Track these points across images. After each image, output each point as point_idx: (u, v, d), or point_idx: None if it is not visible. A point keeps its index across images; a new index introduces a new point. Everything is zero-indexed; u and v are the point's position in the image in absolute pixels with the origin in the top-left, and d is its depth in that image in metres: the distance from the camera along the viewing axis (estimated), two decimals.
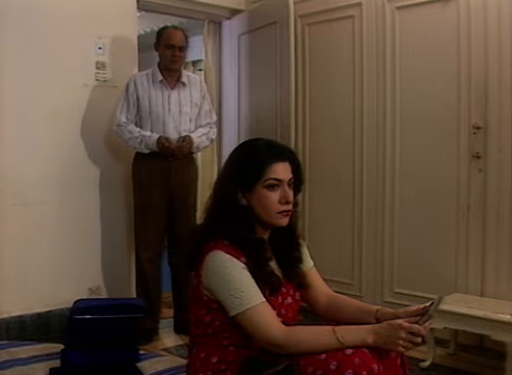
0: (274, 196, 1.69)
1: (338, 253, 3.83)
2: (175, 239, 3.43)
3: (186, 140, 3.33)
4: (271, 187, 1.69)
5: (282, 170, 1.70)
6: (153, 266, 3.39)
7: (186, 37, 3.37)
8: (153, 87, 3.33)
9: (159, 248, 3.43)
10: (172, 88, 3.37)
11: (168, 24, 3.85)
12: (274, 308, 1.65)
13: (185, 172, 3.40)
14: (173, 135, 3.32)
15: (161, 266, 3.47)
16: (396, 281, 3.56)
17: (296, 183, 1.77)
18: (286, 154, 1.74)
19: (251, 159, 1.71)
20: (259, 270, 1.66)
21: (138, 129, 3.32)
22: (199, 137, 3.42)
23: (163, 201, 3.36)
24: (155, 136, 3.26)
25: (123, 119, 3.32)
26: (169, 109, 3.33)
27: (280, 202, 1.69)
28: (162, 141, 3.25)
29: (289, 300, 1.75)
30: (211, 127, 3.52)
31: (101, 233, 3.66)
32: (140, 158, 3.39)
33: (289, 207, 1.72)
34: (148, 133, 3.29)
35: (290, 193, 1.72)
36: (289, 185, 1.72)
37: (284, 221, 1.72)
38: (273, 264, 1.75)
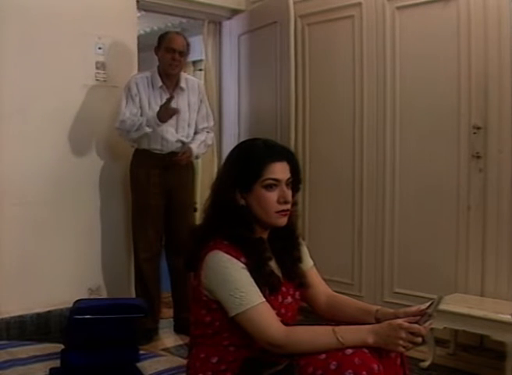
0: (272, 196, 1.69)
1: (338, 253, 3.83)
2: (173, 239, 3.43)
3: (186, 152, 3.33)
4: (269, 187, 1.69)
5: (280, 170, 1.70)
6: (151, 266, 3.40)
7: (187, 44, 3.36)
8: (152, 91, 3.32)
9: (157, 248, 3.43)
10: (171, 94, 3.36)
11: (169, 24, 3.86)
12: (274, 307, 1.65)
13: (182, 172, 3.40)
14: (172, 141, 3.33)
15: (159, 266, 3.47)
16: (396, 281, 3.56)
17: (295, 182, 1.77)
18: (284, 154, 1.74)
19: (249, 159, 1.71)
20: (259, 270, 1.66)
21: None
22: (198, 146, 3.42)
23: (161, 202, 3.36)
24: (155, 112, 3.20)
25: (127, 114, 3.27)
26: None
27: (279, 202, 1.69)
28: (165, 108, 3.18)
29: (289, 299, 1.75)
30: (208, 132, 3.52)
31: (101, 233, 3.66)
32: (139, 159, 3.39)
33: (288, 207, 1.72)
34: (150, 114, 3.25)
35: (289, 193, 1.72)
36: (287, 185, 1.72)
37: (283, 221, 1.72)
38: (273, 264, 1.75)
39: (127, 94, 3.31)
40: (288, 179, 1.72)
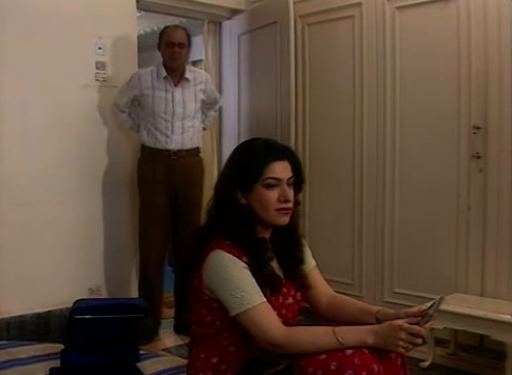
0: (273, 195, 1.69)
1: (338, 253, 3.83)
2: (179, 238, 3.41)
3: None
4: (270, 186, 1.69)
5: (280, 169, 1.70)
6: (158, 265, 3.39)
7: (188, 36, 3.38)
8: (157, 83, 3.34)
9: (164, 247, 3.42)
10: (176, 85, 3.37)
11: (169, 24, 3.87)
12: (274, 308, 1.65)
13: (190, 170, 3.40)
14: (178, 132, 3.34)
15: (164, 266, 3.47)
16: (396, 281, 3.56)
17: (297, 182, 1.76)
18: (285, 153, 1.74)
19: (250, 159, 1.71)
20: (260, 270, 1.66)
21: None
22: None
23: (168, 201, 3.36)
24: None
25: (121, 103, 3.42)
26: (173, 107, 3.34)
27: (279, 200, 1.69)
28: None
29: (290, 300, 1.75)
30: (217, 103, 3.71)
31: (101, 233, 3.66)
32: (145, 158, 3.40)
33: (289, 205, 1.71)
34: None
35: (290, 192, 1.71)
36: (288, 184, 1.72)
37: (283, 220, 1.72)
38: (274, 264, 1.75)
39: (127, 86, 3.39)
40: (289, 178, 1.72)
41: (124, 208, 3.72)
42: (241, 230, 1.68)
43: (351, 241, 3.77)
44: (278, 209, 1.69)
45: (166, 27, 3.44)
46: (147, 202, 3.37)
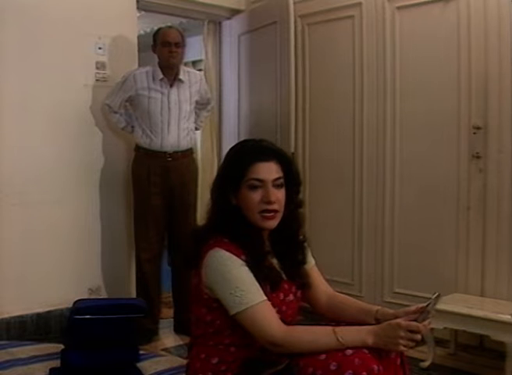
0: (255, 196, 1.67)
1: (338, 253, 3.83)
2: (175, 238, 3.42)
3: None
4: (253, 187, 1.67)
5: (265, 170, 1.68)
6: (153, 266, 3.39)
7: (182, 35, 3.39)
8: (153, 85, 3.34)
9: (159, 248, 3.42)
10: (171, 86, 3.37)
11: (169, 24, 3.89)
12: (275, 305, 1.64)
13: (184, 171, 3.41)
14: (174, 134, 3.34)
15: (161, 267, 3.47)
16: (396, 281, 3.56)
17: (291, 184, 1.75)
18: (272, 154, 1.71)
19: (236, 159, 1.72)
20: (258, 264, 1.65)
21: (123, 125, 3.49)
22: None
23: (163, 201, 3.36)
24: None
25: (113, 104, 3.41)
26: (169, 109, 3.34)
27: (262, 201, 1.67)
28: None
29: (291, 297, 1.75)
30: (209, 103, 3.71)
31: (101, 233, 3.66)
32: (140, 158, 3.40)
33: (274, 207, 1.68)
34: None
35: (275, 193, 1.68)
36: (275, 185, 1.69)
37: (269, 224, 1.70)
38: (274, 261, 1.74)
39: (120, 86, 3.38)
40: (275, 179, 1.69)
41: (123, 207, 3.72)
42: (237, 227, 1.68)
43: (351, 240, 3.77)
44: (261, 212, 1.67)
45: (159, 29, 3.45)
46: (142, 203, 3.38)
